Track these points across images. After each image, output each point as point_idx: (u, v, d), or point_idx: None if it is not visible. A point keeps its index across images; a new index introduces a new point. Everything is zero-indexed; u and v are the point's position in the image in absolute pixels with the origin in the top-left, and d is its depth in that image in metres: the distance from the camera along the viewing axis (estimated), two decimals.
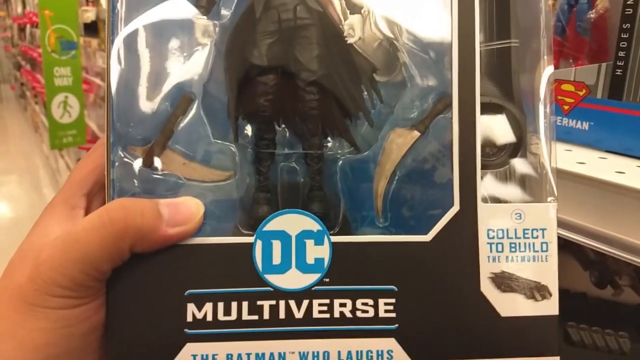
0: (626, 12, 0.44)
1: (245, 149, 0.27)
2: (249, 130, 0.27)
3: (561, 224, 0.38)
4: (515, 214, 0.26)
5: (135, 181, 0.25)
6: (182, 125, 0.26)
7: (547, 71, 0.26)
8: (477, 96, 0.26)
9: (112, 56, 0.26)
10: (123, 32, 0.26)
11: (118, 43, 0.26)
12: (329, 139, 0.27)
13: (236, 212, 0.26)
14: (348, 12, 0.26)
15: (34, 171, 3.68)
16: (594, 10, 0.50)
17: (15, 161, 3.99)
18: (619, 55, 0.45)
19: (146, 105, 0.26)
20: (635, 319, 0.57)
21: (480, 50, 0.26)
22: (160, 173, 0.26)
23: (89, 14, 2.51)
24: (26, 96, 5.03)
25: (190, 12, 0.26)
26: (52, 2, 2.21)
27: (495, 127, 0.27)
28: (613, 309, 0.58)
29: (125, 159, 0.25)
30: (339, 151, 0.27)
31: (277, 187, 0.27)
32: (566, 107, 0.48)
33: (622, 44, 0.45)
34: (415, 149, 0.26)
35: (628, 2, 0.44)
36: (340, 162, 0.27)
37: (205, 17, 0.26)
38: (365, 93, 0.27)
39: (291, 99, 0.26)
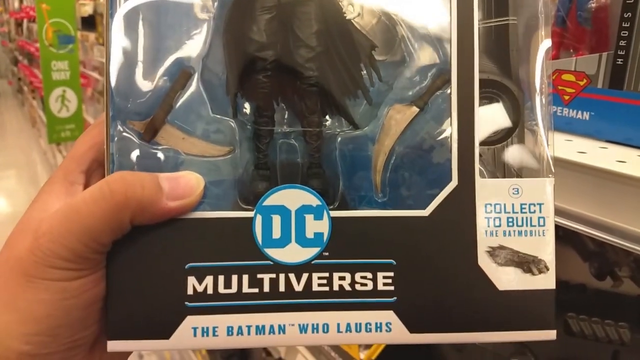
0: (627, 1, 0.44)
1: (244, 125, 0.27)
2: (247, 107, 0.27)
3: (562, 213, 0.38)
4: (513, 189, 0.26)
5: (135, 155, 0.25)
6: (181, 100, 0.26)
7: (545, 44, 0.26)
8: (475, 72, 0.26)
9: (111, 30, 0.25)
10: (123, 6, 0.26)
11: (117, 17, 0.26)
12: (328, 117, 0.27)
13: (236, 188, 0.26)
14: None
15: (32, 166, 3.68)
16: (594, 0, 0.50)
17: (13, 156, 3.98)
18: (620, 44, 0.45)
19: (145, 80, 0.26)
20: (635, 310, 0.57)
21: (479, 28, 0.26)
22: (159, 147, 0.26)
23: (87, 8, 2.50)
24: (24, 91, 5.01)
25: None
26: None
27: (494, 104, 0.27)
28: (613, 300, 0.58)
29: (125, 134, 0.25)
30: (338, 129, 0.27)
31: (276, 164, 0.27)
32: (567, 97, 0.47)
33: (623, 33, 0.44)
34: (414, 125, 0.26)
35: None
36: (339, 139, 0.27)
37: None
38: (364, 71, 0.27)
39: (290, 75, 0.26)
